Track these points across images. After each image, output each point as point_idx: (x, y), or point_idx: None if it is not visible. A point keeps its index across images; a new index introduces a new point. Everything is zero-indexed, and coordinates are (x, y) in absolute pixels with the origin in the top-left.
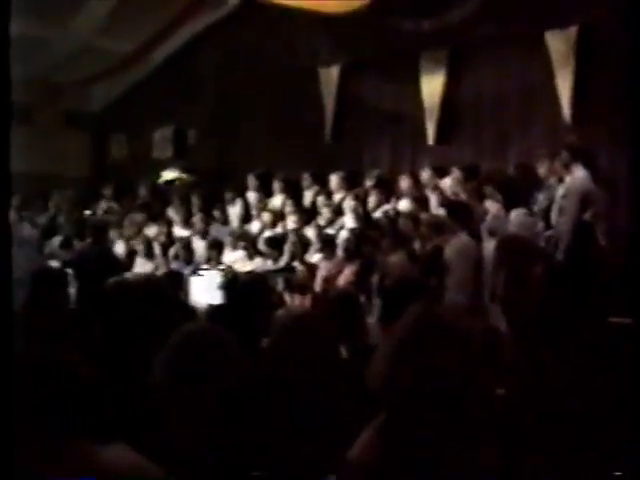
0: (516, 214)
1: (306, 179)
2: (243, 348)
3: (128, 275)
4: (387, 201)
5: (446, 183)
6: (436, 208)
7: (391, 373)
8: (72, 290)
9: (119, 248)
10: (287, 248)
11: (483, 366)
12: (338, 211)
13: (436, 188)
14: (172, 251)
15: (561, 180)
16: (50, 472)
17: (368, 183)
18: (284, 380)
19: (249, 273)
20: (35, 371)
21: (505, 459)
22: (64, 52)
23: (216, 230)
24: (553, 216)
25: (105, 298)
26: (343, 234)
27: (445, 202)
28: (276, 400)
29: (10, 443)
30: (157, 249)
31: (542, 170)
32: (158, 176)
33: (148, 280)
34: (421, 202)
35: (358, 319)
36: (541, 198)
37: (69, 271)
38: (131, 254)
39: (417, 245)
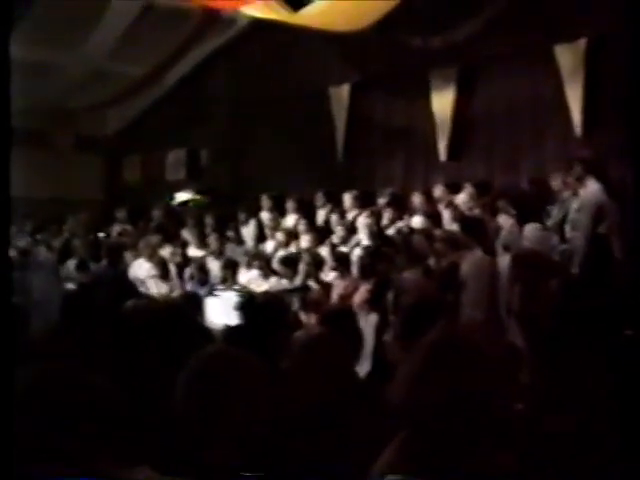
0: (530, 228)
1: (319, 198)
2: (265, 368)
3: (145, 298)
4: (400, 218)
5: (460, 199)
6: (449, 224)
7: (415, 392)
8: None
9: (142, 268)
10: (301, 267)
11: (503, 382)
12: (351, 229)
13: (450, 204)
14: (187, 272)
15: (575, 194)
16: None
17: (381, 201)
18: (304, 400)
19: (265, 293)
20: (58, 392)
21: (525, 474)
22: (77, 77)
23: (231, 250)
24: (567, 230)
25: (124, 322)
26: (357, 252)
27: (459, 218)
28: (296, 420)
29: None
30: (172, 270)
31: (555, 184)
32: (172, 198)
33: (166, 304)
34: (434, 218)
35: (354, 334)
36: (555, 212)
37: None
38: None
39: (432, 261)
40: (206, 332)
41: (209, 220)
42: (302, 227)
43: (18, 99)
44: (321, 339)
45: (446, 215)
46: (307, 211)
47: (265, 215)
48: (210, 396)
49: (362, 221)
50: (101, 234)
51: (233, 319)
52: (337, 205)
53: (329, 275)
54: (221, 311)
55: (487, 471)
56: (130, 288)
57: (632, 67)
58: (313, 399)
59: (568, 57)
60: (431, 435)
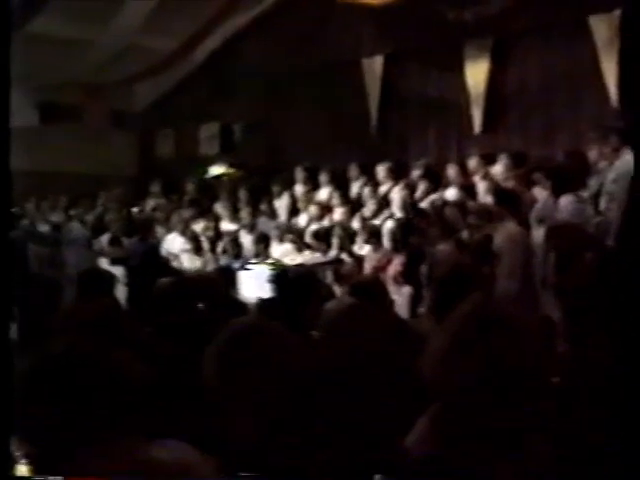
0: (565, 200)
1: (353, 170)
2: (297, 338)
3: (178, 272)
4: (434, 190)
5: (495, 170)
6: (484, 196)
7: (449, 364)
8: (122, 288)
9: (175, 242)
10: (334, 240)
11: (538, 355)
12: (385, 202)
13: (485, 176)
14: (220, 246)
15: (611, 164)
16: (102, 468)
17: (415, 173)
18: (336, 372)
19: (298, 266)
20: (85, 368)
21: (560, 448)
22: (109, 52)
23: (263, 224)
24: (603, 201)
25: (160, 296)
26: (390, 225)
27: (494, 190)
28: (328, 392)
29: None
30: (205, 244)
31: (592, 155)
32: (205, 172)
33: (202, 278)
34: (469, 190)
35: (384, 305)
36: (591, 183)
37: (118, 269)
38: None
39: (465, 234)
40: (240, 305)
41: (242, 194)
42: (335, 200)
43: (50, 75)
44: (352, 309)
45: (481, 187)
46: (340, 184)
47: (299, 188)
48: (240, 368)
49: (396, 193)
50: (134, 209)
51: (266, 292)
52: (370, 177)
53: (363, 248)
54: (254, 285)
55: (521, 447)
56: (162, 262)
57: None
58: (344, 370)
59: (603, 28)
60: (463, 409)
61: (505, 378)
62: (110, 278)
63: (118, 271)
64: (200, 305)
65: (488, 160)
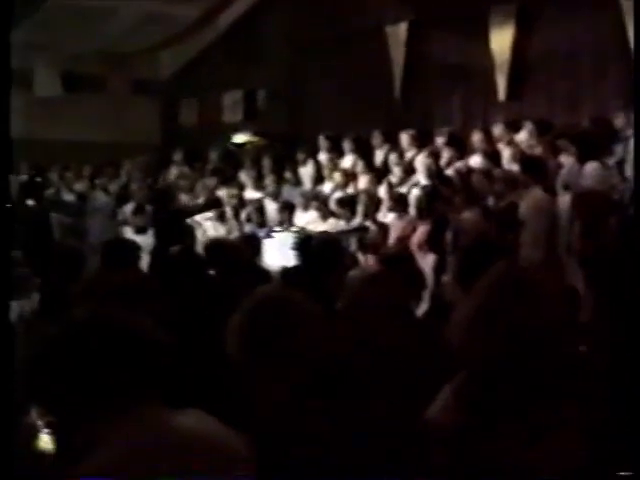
0: (591, 167)
1: (376, 138)
2: (321, 309)
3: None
4: (459, 158)
5: (520, 137)
6: (509, 163)
7: (475, 332)
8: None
9: None
10: (359, 208)
11: (565, 323)
12: (409, 169)
13: (510, 143)
14: (244, 214)
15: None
16: (124, 434)
17: (439, 140)
18: (361, 341)
19: (322, 234)
20: (105, 335)
21: (587, 417)
22: (131, 20)
23: (287, 192)
24: (628, 168)
25: (186, 263)
26: (415, 192)
27: (519, 157)
28: (354, 362)
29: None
30: (229, 212)
31: (617, 122)
32: (229, 140)
33: (229, 243)
34: (493, 157)
35: (415, 276)
36: (617, 150)
37: (143, 238)
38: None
39: (490, 201)
40: (262, 272)
41: (266, 162)
42: (360, 168)
43: (72, 45)
44: (375, 277)
45: (506, 154)
46: (365, 151)
47: (323, 156)
48: (263, 339)
49: (420, 161)
50: (159, 177)
51: (290, 260)
52: (394, 145)
53: (387, 216)
54: (279, 252)
55: (548, 417)
56: (185, 231)
57: None
58: (367, 337)
59: None
60: (489, 377)
61: (530, 345)
62: (135, 248)
63: (143, 240)
64: (211, 272)
65: (513, 127)
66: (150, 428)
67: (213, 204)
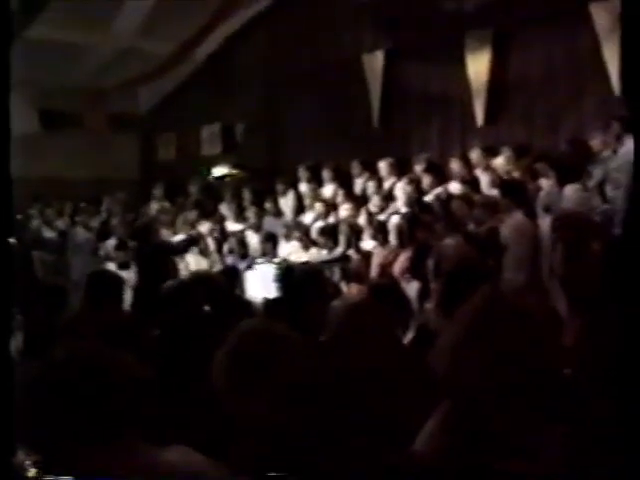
0: (570, 189)
1: (355, 167)
2: (305, 342)
3: (185, 273)
4: (439, 184)
5: (497, 162)
6: (487, 188)
7: (458, 360)
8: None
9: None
10: (341, 237)
11: (550, 348)
12: (389, 197)
13: (487, 168)
14: (226, 246)
15: (614, 152)
16: (109, 470)
17: (418, 167)
18: (346, 372)
19: (303, 264)
20: (86, 371)
21: (575, 442)
22: (108, 56)
23: (269, 223)
24: (608, 190)
25: (165, 299)
26: (394, 220)
27: (499, 182)
28: (338, 392)
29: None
30: (211, 246)
31: (595, 143)
32: (208, 173)
33: (207, 277)
34: (471, 183)
35: (402, 305)
36: (596, 172)
37: (125, 273)
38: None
39: (471, 227)
40: (245, 305)
41: (246, 194)
42: (340, 197)
43: (50, 81)
44: (359, 307)
45: (484, 179)
46: (344, 180)
47: (303, 186)
48: (247, 373)
49: (401, 188)
50: (140, 212)
51: (273, 291)
52: (374, 173)
53: (369, 244)
54: (261, 284)
55: (535, 444)
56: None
57: None
58: (353, 369)
59: (604, 15)
60: (472, 406)
61: (517, 372)
62: (118, 280)
63: (125, 275)
64: (205, 307)
65: (491, 152)
66: (134, 462)
67: (193, 242)
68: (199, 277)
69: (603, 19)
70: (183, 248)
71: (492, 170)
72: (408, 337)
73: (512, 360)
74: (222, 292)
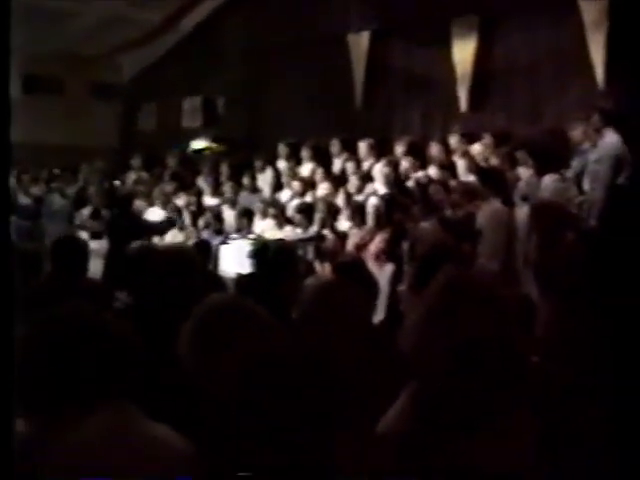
0: (549, 179)
1: (335, 146)
2: (273, 318)
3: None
4: (419, 168)
5: (475, 149)
6: (464, 174)
7: (421, 340)
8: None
9: (155, 216)
10: (317, 216)
11: (517, 333)
12: (367, 178)
13: (465, 154)
14: (202, 221)
15: (594, 145)
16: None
17: (399, 150)
18: (315, 350)
19: (278, 241)
20: (74, 330)
21: (539, 428)
22: (93, 24)
23: (245, 198)
24: (586, 181)
25: (133, 264)
26: (372, 201)
27: (477, 168)
28: (307, 371)
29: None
30: (187, 219)
31: (576, 134)
32: (188, 145)
33: (177, 249)
34: (448, 169)
35: (368, 284)
36: (575, 163)
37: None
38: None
39: (448, 212)
40: (216, 279)
41: (225, 168)
42: (318, 176)
43: (34, 46)
44: (331, 286)
45: (461, 165)
46: (323, 159)
47: (282, 163)
48: (213, 347)
49: (379, 170)
50: (116, 182)
51: (246, 267)
52: (353, 153)
53: (345, 224)
54: (235, 260)
55: (501, 425)
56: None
57: None
58: (323, 348)
59: (591, 8)
60: (439, 386)
61: (479, 353)
62: (84, 246)
63: (98, 244)
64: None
65: (471, 138)
66: (113, 429)
67: (172, 223)
68: (171, 248)
69: (590, 10)
70: (162, 230)
71: (469, 156)
72: (377, 317)
73: (472, 341)
74: (194, 265)
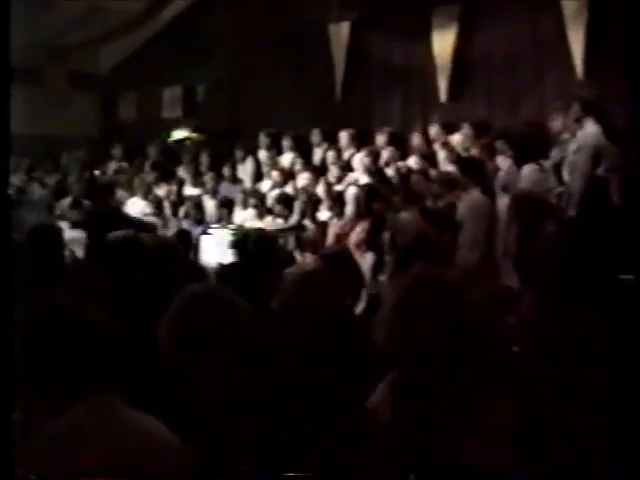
0: (528, 170)
1: (315, 136)
2: (253, 308)
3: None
4: (399, 158)
5: (455, 139)
6: (444, 164)
7: (394, 329)
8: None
9: (136, 206)
10: (297, 206)
11: (497, 323)
12: (347, 168)
13: (445, 144)
14: (182, 210)
15: (573, 135)
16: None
17: (379, 140)
18: (296, 339)
19: (258, 231)
20: (59, 319)
21: (519, 416)
22: (72, 13)
23: (225, 188)
24: (565, 172)
25: (113, 252)
26: (352, 191)
27: (457, 158)
28: (287, 360)
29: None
30: (167, 209)
31: (555, 124)
32: (168, 135)
33: (160, 240)
34: (429, 159)
35: (354, 274)
36: (554, 154)
37: (79, 232)
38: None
39: (429, 202)
40: (197, 269)
41: (205, 158)
42: (298, 166)
43: (13, 37)
44: (312, 275)
45: (441, 155)
46: (304, 149)
47: (262, 153)
48: (192, 337)
49: (359, 159)
50: (97, 172)
51: (227, 257)
52: (334, 143)
53: (326, 214)
54: (215, 249)
55: (479, 413)
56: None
57: (635, 8)
58: (304, 338)
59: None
60: (416, 374)
61: (454, 343)
62: (58, 231)
63: (78, 235)
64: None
65: (451, 129)
66: (107, 420)
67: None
68: (152, 237)
69: (570, 1)
70: (144, 229)
71: (449, 146)
72: (360, 307)
73: (437, 332)
74: (174, 254)
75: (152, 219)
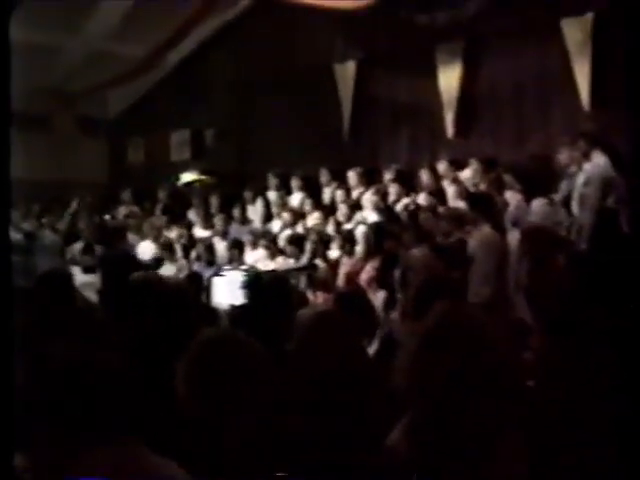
0: (537, 204)
1: (324, 175)
2: (266, 350)
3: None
4: (407, 195)
5: (465, 175)
6: (454, 200)
7: (414, 374)
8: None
9: (146, 249)
10: (308, 246)
11: (511, 359)
12: (356, 206)
13: (454, 180)
14: (194, 253)
15: (581, 168)
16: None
17: (387, 177)
18: (310, 381)
19: (271, 272)
20: (76, 370)
21: (534, 452)
22: (78, 59)
23: (235, 230)
24: (574, 205)
25: (131, 294)
26: (361, 229)
27: (467, 194)
28: (303, 403)
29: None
30: (179, 252)
31: (563, 158)
32: (177, 178)
33: (171, 283)
34: (438, 195)
35: (368, 314)
36: (562, 187)
37: (91, 277)
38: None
39: (439, 239)
40: (209, 311)
41: (214, 200)
42: (308, 206)
43: (19, 83)
44: (325, 316)
45: (450, 191)
46: (313, 189)
47: (272, 194)
48: (208, 382)
49: (368, 198)
50: (107, 216)
51: (239, 299)
52: (342, 182)
53: (336, 253)
54: (227, 291)
55: (496, 454)
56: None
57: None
58: (318, 380)
59: (575, 31)
60: (434, 418)
61: (473, 383)
62: (68, 276)
63: (91, 279)
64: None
65: (459, 165)
66: (131, 467)
67: (160, 261)
68: (165, 282)
69: (574, 34)
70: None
71: (458, 182)
72: (373, 347)
73: (466, 375)
74: (187, 298)
75: (157, 256)
